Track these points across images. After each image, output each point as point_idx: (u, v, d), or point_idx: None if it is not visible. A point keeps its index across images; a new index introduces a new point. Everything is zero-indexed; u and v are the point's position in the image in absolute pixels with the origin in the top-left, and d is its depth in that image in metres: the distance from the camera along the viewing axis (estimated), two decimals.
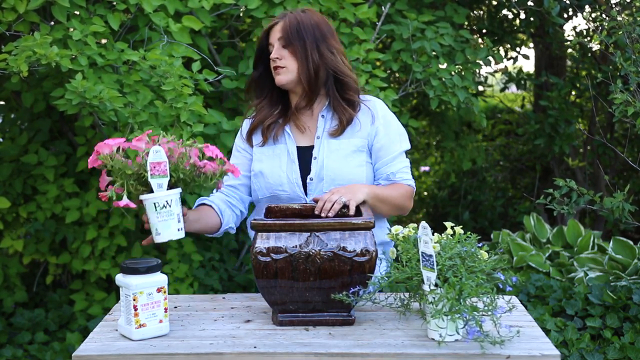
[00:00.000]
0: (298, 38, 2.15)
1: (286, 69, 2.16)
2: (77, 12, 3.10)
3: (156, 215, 1.81)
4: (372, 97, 2.29)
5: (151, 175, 1.77)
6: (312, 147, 2.21)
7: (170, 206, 1.82)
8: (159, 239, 1.84)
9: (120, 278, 1.78)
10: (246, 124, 2.31)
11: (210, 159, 1.89)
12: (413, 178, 2.26)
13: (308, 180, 2.18)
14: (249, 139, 2.27)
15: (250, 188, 2.27)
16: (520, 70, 5.04)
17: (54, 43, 2.89)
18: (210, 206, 2.19)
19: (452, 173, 5.60)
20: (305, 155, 2.20)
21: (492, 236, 4.20)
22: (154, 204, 1.80)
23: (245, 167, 2.26)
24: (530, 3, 4.26)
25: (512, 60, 4.86)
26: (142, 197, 1.81)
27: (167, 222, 1.82)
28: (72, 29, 2.97)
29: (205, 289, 3.76)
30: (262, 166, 2.22)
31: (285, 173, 2.18)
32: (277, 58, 2.16)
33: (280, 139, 2.23)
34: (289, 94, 2.26)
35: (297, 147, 2.22)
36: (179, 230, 1.84)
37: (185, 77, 2.94)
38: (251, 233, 2.15)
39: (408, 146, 2.27)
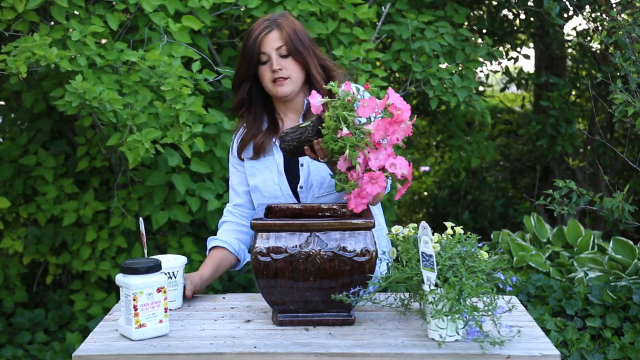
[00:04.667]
0: (302, 46, 2.09)
1: (290, 79, 2.10)
2: (76, 12, 3.10)
3: None
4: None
5: None
6: None
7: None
8: None
9: (120, 278, 1.78)
10: (236, 141, 2.25)
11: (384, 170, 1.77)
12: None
13: (299, 189, 2.16)
14: (239, 155, 2.23)
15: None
16: (520, 70, 5.04)
17: (53, 43, 2.88)
18: (224, 247, 2.19)
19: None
20: (294, 164, 2.17)
21: (492, 236, 4.19)
22: None
23: (245, 182, 2.24)
24: (530, 3, 4.26)
25: (512, 60, 4.87)
26: None
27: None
28: (71, 30, 2.97)
29: (205, 289, 3.75)
30: (256, 181, 2.19)
31: (278, 185, 2.16)
32: (280, 69, 2.08)
33: (268, 151, 2.18)
34: (275, 104, 2.20)
35: (285, 157, 2.17)
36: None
37: (185, 77, 2.93)
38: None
39: None
